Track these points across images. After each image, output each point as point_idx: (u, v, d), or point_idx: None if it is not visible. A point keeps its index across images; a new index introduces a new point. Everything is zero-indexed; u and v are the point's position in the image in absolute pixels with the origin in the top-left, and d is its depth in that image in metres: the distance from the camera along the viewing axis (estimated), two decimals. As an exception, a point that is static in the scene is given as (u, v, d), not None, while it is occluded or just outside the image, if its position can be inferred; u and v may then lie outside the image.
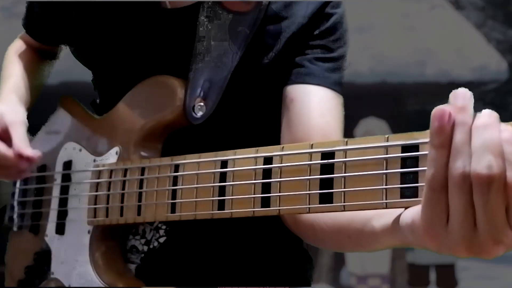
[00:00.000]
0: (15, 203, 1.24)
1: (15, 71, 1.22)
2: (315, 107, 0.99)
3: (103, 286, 1.02)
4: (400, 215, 0.67)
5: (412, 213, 0.63)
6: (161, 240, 1.06)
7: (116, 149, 1.07)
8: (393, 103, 6.22)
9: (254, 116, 1.06)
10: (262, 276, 1.08)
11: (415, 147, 0.64)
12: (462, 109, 0.57)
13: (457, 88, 0.58)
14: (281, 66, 1.03)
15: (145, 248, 1.06)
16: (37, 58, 1.28)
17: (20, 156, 1.02)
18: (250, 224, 1.05)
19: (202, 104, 0.99)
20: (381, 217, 0.73)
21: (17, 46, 1.28)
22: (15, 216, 1.23)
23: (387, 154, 0.67)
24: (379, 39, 6.07)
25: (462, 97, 0.57)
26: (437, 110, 0.57)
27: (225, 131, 1.03)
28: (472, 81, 6.00)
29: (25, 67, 1.24)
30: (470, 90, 0.58)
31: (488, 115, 0.56)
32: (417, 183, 0.63)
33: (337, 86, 1.03)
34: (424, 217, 0.60)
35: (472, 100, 0.57)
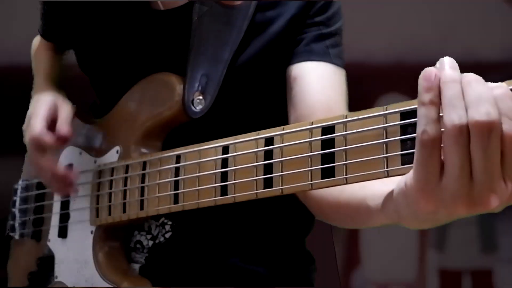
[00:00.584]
0: (17, 211, 1.30)
1: (46, 63, 1.31)
2: (317, 83, 1.05)
3: (108, 286, 1.07)
4: (392, 190, 0.71)
5: (405, 177, 0.66)
6: (167, 235, 1.10)
7: (116, 148, 1.12)
8: (409, 88, 6.07)
9: (254, 108, 1.11)
10: (265, 276, 1.12)
11: (414, 113, 0.68)
12: (451, 68, 0.62)
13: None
14: (280, 54, 1.08)
15: (151, 243, 1.11)
16: (56, 51, 1.35)
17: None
18: (255, 222, 1.12)
19: (201, 97, 1.04)
20: (375, 196, 0.77)
21: (38, 39, 1.36)
22: (16, 224, 1.29)
23: (386, 123, 0.71)
24: (394, 14, 5.91)
25: (449, 61, 0.62)
26: (425, 71, 0.62)
27: (226, 125, 1.06)
28: (500, 61, 5.85)
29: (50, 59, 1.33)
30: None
31: (473, 74, 0.61)
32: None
33: (338, 60, 1.09)
34: (417, 177, 0.63)
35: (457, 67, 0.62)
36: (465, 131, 0.59)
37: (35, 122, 1.12)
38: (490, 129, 0.58)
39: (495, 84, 0.61)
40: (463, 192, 0.61)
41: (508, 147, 0.59)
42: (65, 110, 1.16)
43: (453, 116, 0.59)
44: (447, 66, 0.62)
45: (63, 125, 1.12)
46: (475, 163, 0.60)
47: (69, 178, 1.12)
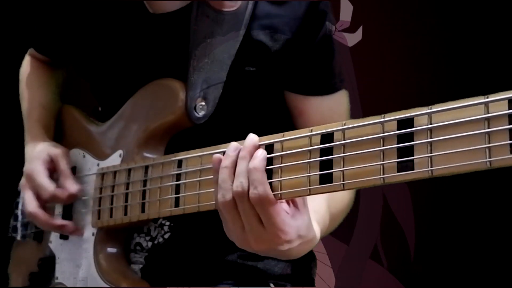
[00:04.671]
0: (19, 213, 1.32)
1: (36, 99, 1.33)
2: (322, 119, 1.10)
3: (108, 287, 1.09)
4: None
5: None
6: (166, 236, 1.12)
7: (119, 152, 1.15)
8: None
9: (255, 113, 1.13)
10: (265, 273, 1.14)
11: (410, 121, 0.71)
12: (226, 156, 0.86)
13: None
14: (282, 65, 1.10)
15: (150, 244, 1.13)
16: (49, 70, 1.37)
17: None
18: None
19: (203, 103, 1.07)
20: None
21: (27, 64, 1.37)
22: (18, 225, 1.31)
23: (383, 132, 0.74)
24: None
25: (233, 148, 0.86)
26: (213, 157, 0.88)
27: (228, 130, 1.08)
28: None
29: (42, 87, 1.35)
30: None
31: (247, 149, 0.85)
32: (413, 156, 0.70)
33: (342, 83, 1.15)
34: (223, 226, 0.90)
35: (238, 151, 0.86)
36: (230, 201, 0.85)
37: (42, 180, 1.18)
38: (243, 196, 0.84)
39: (255, 152, 0.84)
40: (239, 236, 0.88)
41: (256, 206, 0.83)
42: (63, 163, 1.20)
43: (219, 195, 0.87)
44: (229, 151, 0.86)
45: (69, 183, 1.18)
46: (242, 217, 0.86)
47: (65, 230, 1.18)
